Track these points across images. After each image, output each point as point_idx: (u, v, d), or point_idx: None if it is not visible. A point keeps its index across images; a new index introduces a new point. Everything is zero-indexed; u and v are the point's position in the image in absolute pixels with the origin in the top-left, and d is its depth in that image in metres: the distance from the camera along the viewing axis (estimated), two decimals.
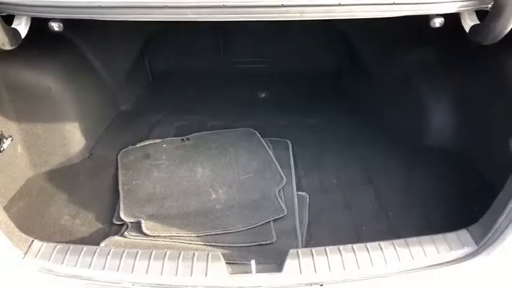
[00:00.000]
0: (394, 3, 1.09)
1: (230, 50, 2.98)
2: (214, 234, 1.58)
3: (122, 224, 1.64)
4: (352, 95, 2.69)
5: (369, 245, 1.23)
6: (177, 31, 2.78)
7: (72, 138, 2.01)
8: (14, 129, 1.83)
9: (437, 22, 1.27)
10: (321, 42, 2.93)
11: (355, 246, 1.23)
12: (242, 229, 1.61)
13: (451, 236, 1.24)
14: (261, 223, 1.63)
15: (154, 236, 1.55)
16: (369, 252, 1.21)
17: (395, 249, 1.21)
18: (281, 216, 1.66)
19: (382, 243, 1.23)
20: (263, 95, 2.77)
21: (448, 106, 1.94)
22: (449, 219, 1.51)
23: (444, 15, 1.24)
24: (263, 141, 2.13)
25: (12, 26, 1.41)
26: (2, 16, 1.34)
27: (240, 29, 2.73)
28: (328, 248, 1.23)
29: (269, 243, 1.55)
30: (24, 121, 1.86)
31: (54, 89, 1.91)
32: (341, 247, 1.23)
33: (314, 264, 1.19)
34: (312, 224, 1.65)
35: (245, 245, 1.53)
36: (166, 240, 1.54)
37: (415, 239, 1.24)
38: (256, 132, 2.21)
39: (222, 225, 1.62)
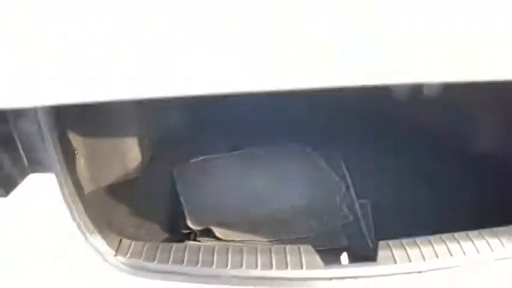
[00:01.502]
0: None
1: None
2: (286, 239, 1.59)
3: (189, 233, 1.65)
4: None
5: (457, 234, 1.25)
6: None
7: (130, 153, 2.06)
8: (78, 142, 1.88)
9: None
10: None
11: (444, 236, 1.25)
12: (311, 236, 1.62)
13: None
14: (328, 229, 1.65)
15: (228, 241, 1.56)
16: (459, 242, 1.23)
17: (486, 239, 1.23)
18: (346, 222, 1.69)
19: (470, 233, 1.25)
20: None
21: None
22: None
23: None
24: (315, 154, 2.19)
25: None
26: None
27: None
28: (418, 239, 1.24)
29: (341, 248, 1.56)
30: (88, 135, 1.92)
31: (117, 102, 1.98)
32: (431, 238, 1.25)
33: (407, 254, 1.20)
34: (378, 230, 1.66)
35: (318, 249, 1.54)
36: (240, 244, 1.55)
37: (503, 228, 1.26)
38: (308, 148, 2.25)
39: (290, 231, 1.63)
